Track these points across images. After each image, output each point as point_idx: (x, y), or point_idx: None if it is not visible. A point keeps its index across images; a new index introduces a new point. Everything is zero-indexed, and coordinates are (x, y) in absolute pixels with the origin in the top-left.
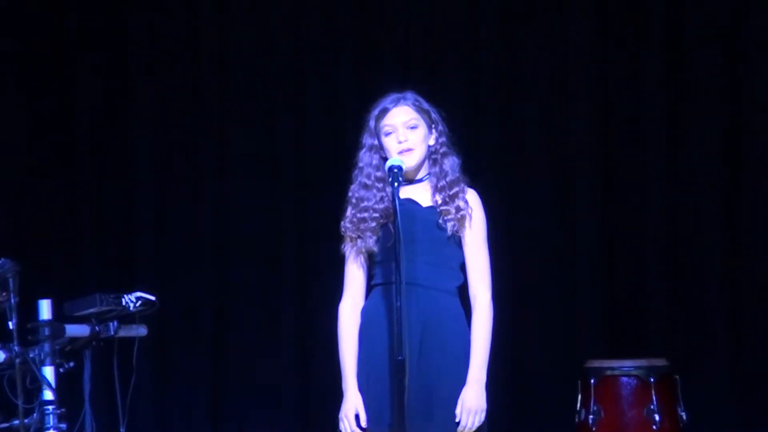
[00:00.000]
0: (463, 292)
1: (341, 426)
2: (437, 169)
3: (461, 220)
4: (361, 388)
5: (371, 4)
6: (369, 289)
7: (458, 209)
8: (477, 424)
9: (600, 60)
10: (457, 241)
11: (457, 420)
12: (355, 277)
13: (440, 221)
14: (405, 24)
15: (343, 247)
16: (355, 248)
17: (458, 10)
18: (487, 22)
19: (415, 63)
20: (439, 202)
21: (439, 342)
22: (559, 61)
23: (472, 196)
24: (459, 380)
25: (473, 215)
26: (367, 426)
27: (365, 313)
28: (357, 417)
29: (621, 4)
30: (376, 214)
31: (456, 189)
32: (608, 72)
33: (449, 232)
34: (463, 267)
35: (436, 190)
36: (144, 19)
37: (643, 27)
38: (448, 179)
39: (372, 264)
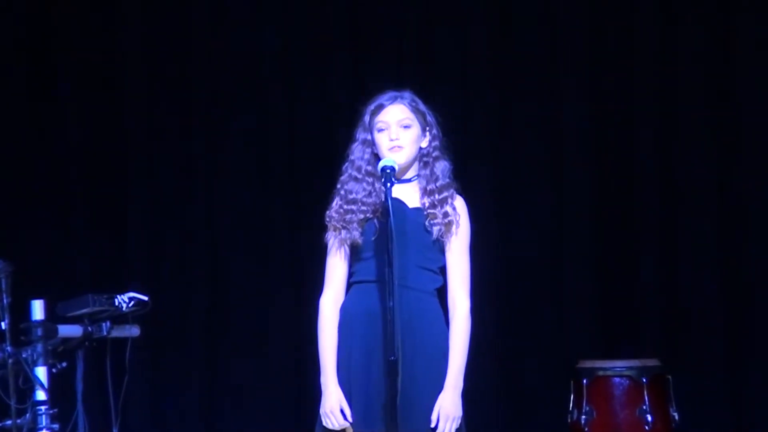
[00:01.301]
0: (441, 294)
1: (325, 422)
2: (427, 171)
3: (448, 226)
4: (342, 387)
5: (365, 2)
6: (348, 285)
7: (446, 215)
8: (452, 430)
9: (594, 60)
10: (439, 246)
11: (432, 425)
12: (337, 269)
13: (426, 224)
14: (399, 23)
15: (326, 237)
16: (338, 239)
17: (452, 10)
18: (482, 23)
19: (409, 61)
20: (427, 205)
21: (421, 343)
22: (553, 64)
23: (459, 204)
24: (438, 382)
25: (460, 222)
26: (352, 424)
27: (344, 311)
28: (342, 412)
29: (614, 7)
30: (364, 207)
31: (445, 194)
32: (602, 73)
33: (434, 236)
34: (442, 270)
35: (425, 192)
36: (136, 17)
37: (636, 28)
38: (438, 183)
39: (353, 260)
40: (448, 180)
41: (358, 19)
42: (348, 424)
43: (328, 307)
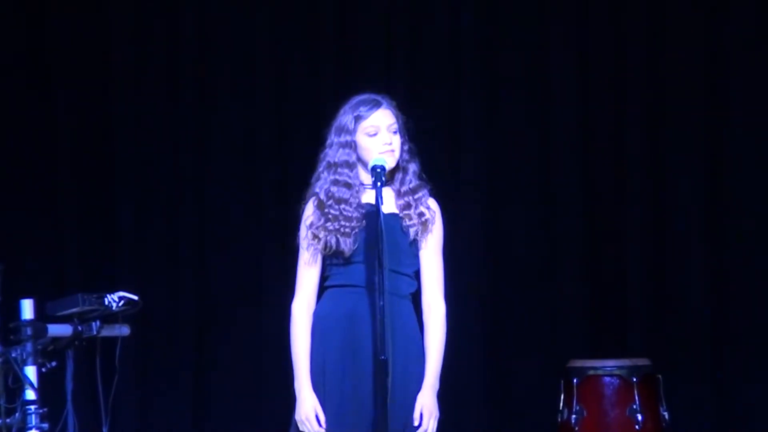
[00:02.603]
0: (414, 298)
1: (302, 428)
2: (401, 174)
3: (424, 225)
4: (316, 391)
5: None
6: (321, 289)
7: (421, 214)
8: (435, 428)
9: (581, 62)
10: (414, 250)
11: (416, 423)
12: (311, 276)
13: (402, 225)
14: (386, 24)
15: (299, 240)
16: (317, 248)
17: (439, 13)
18: (471, 19)
19: (396, 63)
20: (402, 206)
21: (394, 346)
22: (541, 64)
23: (433, 204)
24: (411, 385)
25: (435, 221)
26: (326, 428)
27: (318, 315)
28: (317, 417)
29: (602, 7)
30: (357, 215)
31: (419, 194)
32: (590, 74)
33: (411, 237)
34: (416, 275)
35: (399, 195)
36: (125, 19)
37: (624, 30)
38: (411, 185)
39: (327, 265)
40: (420, 181)
41: (345, 11)
42: (323, 430)
43: (300, 312)
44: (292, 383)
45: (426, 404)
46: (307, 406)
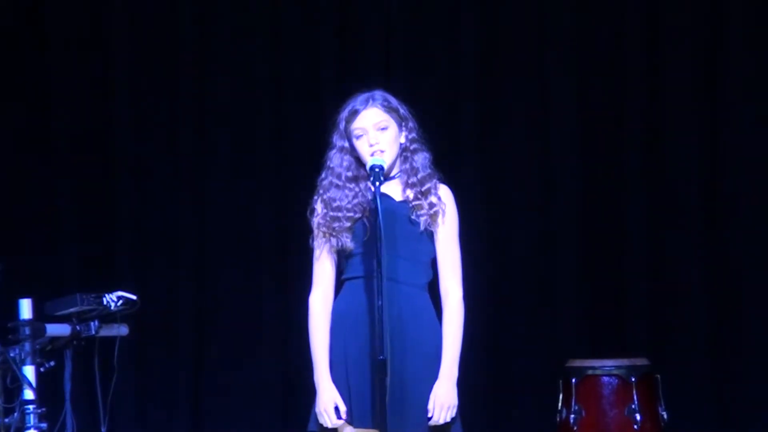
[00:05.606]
0: (432, 288)
1: (321, 420)
2: (408, 165)
3: (434, 216)
4: (337, 384)
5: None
6: (339, 283)
7: (431, 205)
8: (448, 418)
9: (581, 59)
10: (428, 237)
11: (429, 415)
12: (326, 272)
13: (413, 216)
14: (385, 20)
15: (312, 241)
16: (327, 245)
17: (441, 3)
18: (470, 15)
19: (396, 59)
20: (411, 197)
21: (413, 337)
22: (540, 58)
23: (444, 192)
24: (431, 375)
25: (446, 211)
26: (348, 419)
27: (337, 308)
28: (336, 409)
29: (603, 4)
30: (350, 213)
31: (428, 185)
32: (590, 65)
33: (421, 228)
34: (433, 263)
35: (407, 186)
36: (124, 15)
37: (623, 28)
38: (419, 176)
39: (343, 258)
40: (429, 171)
41: (346, 12)
42: (342, 422)
43: (317, 305)
44: (310, 376)
45: (440, 395)
46: (326, 398)
